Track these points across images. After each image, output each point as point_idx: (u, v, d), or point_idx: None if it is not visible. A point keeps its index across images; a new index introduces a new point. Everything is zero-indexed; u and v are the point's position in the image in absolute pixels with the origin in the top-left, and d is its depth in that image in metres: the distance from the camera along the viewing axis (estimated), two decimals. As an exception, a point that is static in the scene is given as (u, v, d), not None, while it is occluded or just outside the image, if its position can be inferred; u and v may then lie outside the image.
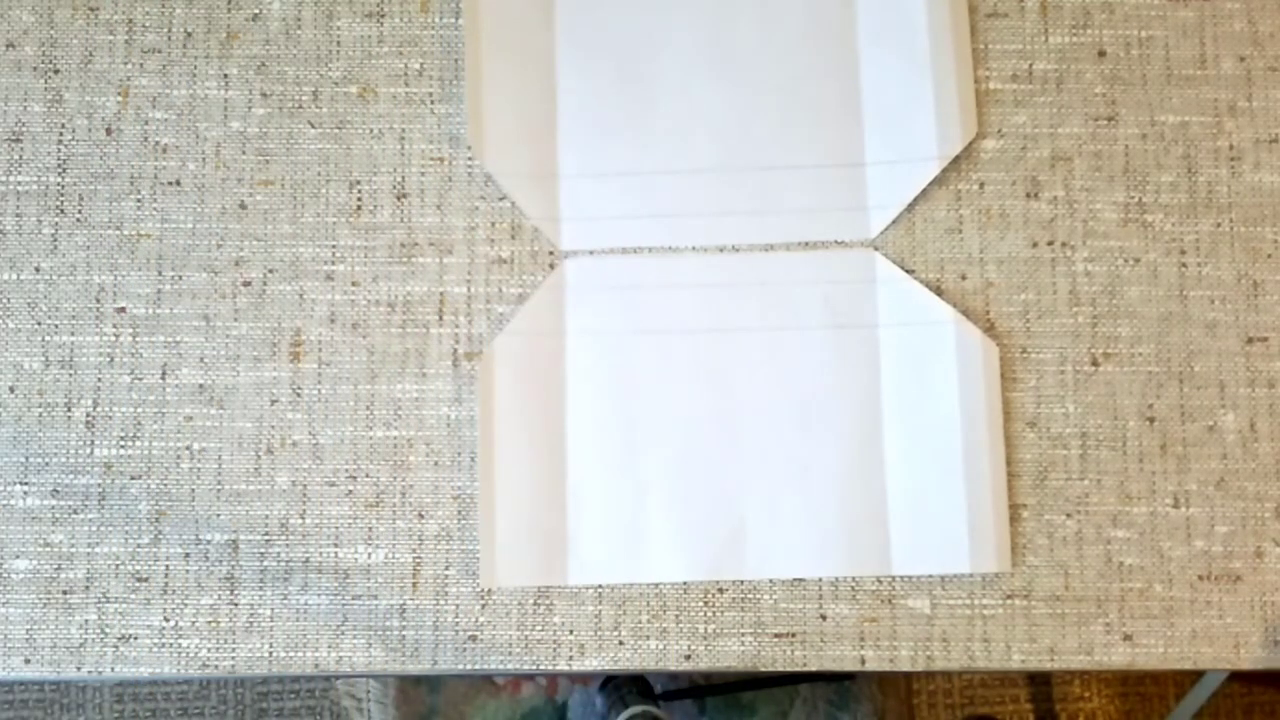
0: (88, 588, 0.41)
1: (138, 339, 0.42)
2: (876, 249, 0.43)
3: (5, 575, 0.41)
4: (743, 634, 0.41)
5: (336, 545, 0.41)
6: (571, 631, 0.41)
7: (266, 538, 0.41)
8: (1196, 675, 1.01)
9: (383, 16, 0.44)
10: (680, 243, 0.43)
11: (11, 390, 0.42)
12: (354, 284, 0.43)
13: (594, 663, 0.41)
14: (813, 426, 0.41)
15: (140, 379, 0.42)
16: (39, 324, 0.42)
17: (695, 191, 0.43)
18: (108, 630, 0.41)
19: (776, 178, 0.43)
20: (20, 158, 0.43)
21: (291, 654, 0.41)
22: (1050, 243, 0.43)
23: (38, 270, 0.43)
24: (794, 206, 0.43)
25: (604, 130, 0.43)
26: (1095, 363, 0.42)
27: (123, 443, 0.42)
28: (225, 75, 0.44)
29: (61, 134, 0.43)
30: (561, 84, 0.43)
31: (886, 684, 1.10)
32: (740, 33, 0.43)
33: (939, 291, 0.43)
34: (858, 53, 0.43)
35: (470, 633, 0.41)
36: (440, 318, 0.42)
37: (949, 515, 0.41)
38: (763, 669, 0.40)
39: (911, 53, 0.43)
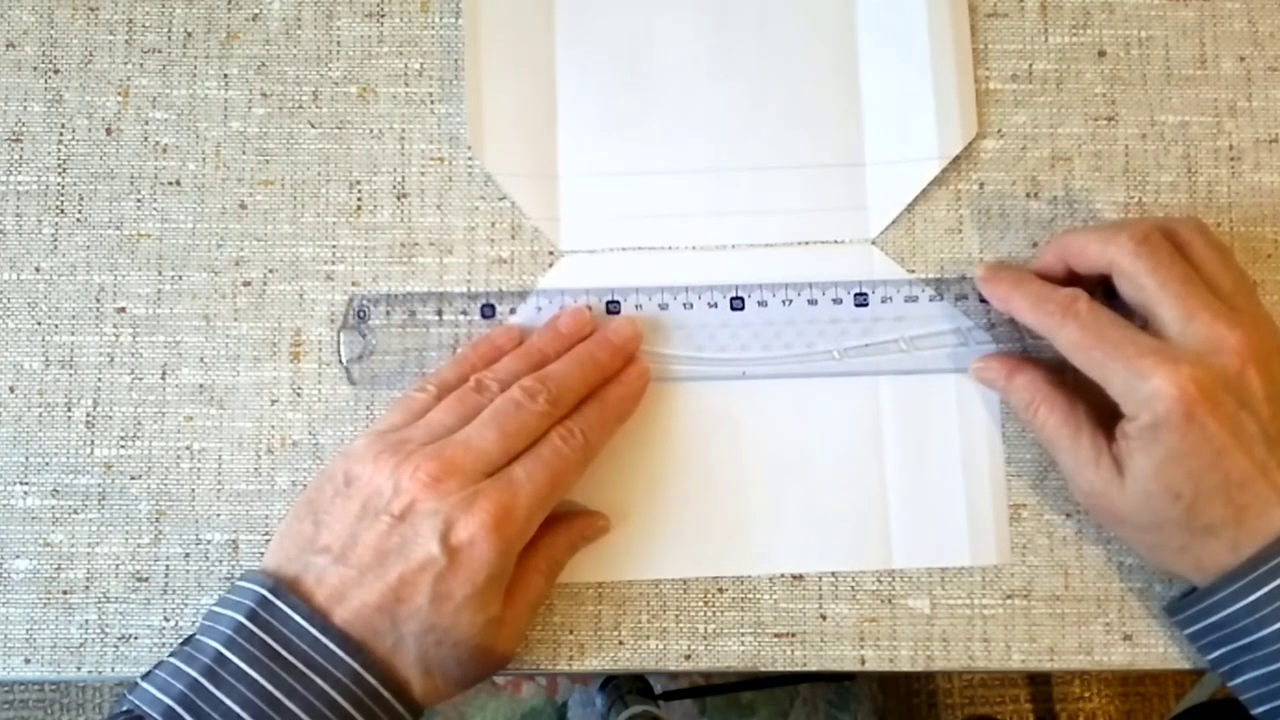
0: (88, 588, 0.41)
1: (138, 339, 0.42)
2: (874, 245, 0.43)
3: (5, 575, 0.41)
4: (743, 634, 0.41)
5: (336, 545, 0.41)
6: (571, 631, 0.41)
7: (266, 538, 0.41)
8: (1196, 675, 1.01)
9: (383, 16, 0.44)
10: (680, 242, 0.43)
11: (11, 390, 0.42)
12: (354, 284, 0.43)
13: (594, 663, 0.41)
14: (812, 422, 0.41)
15: (140, 379, 0.42)
16: (39, 324, 0.42)
17: (695, 191, 0.43)
18: (108, 630, 0.41)
19: (776, 178, 0.43)
20: (20, 158, 0.43)
21: (291, 654, 0.41)
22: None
23: (38, 270, 0.43)
24: (794, 206, 0.43)
25: (604, 130, 0.43)
26: (1095, 363, 0.42)
27: (123, 443, 0.42)
28: (225, 75, 0.44)
29: (61, 134, 0.43)
30: (561, 84, 0.43)
31: (886, 684, 1.10)
32: (740, 33, 0.43)
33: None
34: (858, 53, 0.43)
35: (470, 633, 0.41)
36: (440, 318, 0.42)
37: (948, 508, 0.41)
38: (763, 669, 0.40)
39: (911, 53, 0.43)
